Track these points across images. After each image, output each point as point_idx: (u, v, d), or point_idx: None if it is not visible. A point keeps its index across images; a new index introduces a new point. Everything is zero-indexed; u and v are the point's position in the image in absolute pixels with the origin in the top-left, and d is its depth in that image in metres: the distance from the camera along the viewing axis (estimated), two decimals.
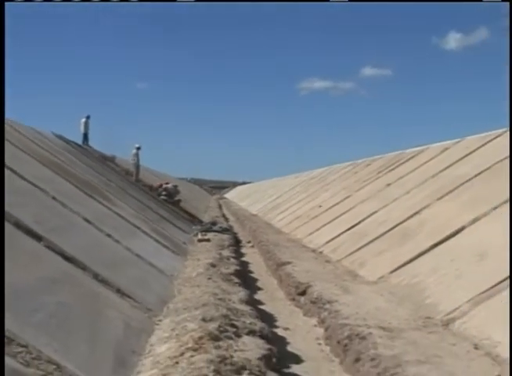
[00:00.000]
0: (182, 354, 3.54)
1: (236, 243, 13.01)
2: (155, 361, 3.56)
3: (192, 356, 3.46)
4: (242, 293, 5.94)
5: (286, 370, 4.12)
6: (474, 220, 6.48)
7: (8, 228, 4.50)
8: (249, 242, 13.73)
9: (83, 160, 15.51)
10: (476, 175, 8.14)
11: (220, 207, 33.81)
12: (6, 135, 9.06)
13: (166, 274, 6.67)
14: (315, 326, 5.53)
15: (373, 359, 3.83)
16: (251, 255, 11.37)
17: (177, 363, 3.40)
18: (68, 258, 4.73)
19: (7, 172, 6.45)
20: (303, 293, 6.55)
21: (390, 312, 5.21)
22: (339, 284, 6.63)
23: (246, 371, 3.29)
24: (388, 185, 11.87)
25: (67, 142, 18.05)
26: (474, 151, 9.71)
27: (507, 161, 7.80)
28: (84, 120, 22.67)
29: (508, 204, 6.27)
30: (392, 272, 6.62)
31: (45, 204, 6.40)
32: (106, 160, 21.21)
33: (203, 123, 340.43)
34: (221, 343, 3.75)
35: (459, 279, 5.33)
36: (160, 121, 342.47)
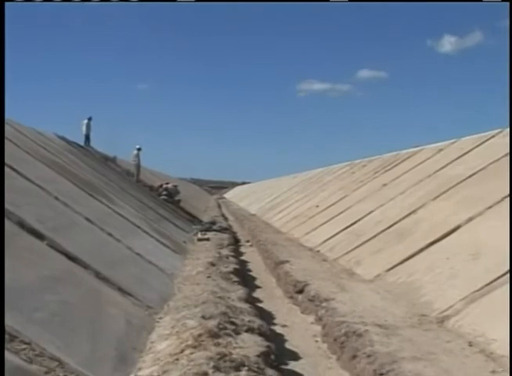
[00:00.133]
0: (182, 351, 3.54)
1: (235, 242, 13.00)
2: (155, 358, 3.56)
3: (192, 353, 3.46)
4: (241, 291, 5.94)
5: (285, 367, 4.12)
6: (469, 219, 6.49)
7: (11, 227, 4.50)
8: (248, 241, 13.73)
9: (85, 160, 15.50)
10: (470, 176, 8.15)
11: (219, 206, 33.81)
12: (10, 137, 9.05)
13: (166, 272, 6.67)
14: (313, 323, 5.53)
15: (369, 356, 3.84)
16: (250, 254, 11.37)
17: (177, 359, 3.40)
18: (70, 257, 4.73)
19: (11, 173, 6.45)
20: (301, 291, 6.55)
21: (386, 309, 5.22)
22: (336, 282, 6.64)
23: (245, 368, 3.29)
24: (384, 185, 11.88)
25: (69, 143, 18.03)
26: (468, 152, 9.73)
27: (501, 162, 7.82)
28: (85, 121, 22.64)
29: (502, 204, 6.28)
30: (388, 270, 6.62)
31: (47, 204, 6.40)
32: (108, 161, 21.19)
33: (203, 124, 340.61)
34: (220, 340, 3.75)
35: (454, 277, 5.34)
36: (161, 122, 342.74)
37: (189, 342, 3.67)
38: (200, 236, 12.01)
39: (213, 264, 7.59)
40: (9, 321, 2.89)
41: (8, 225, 4.48)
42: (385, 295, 5.83)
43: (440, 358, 3.76)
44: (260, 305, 6.32)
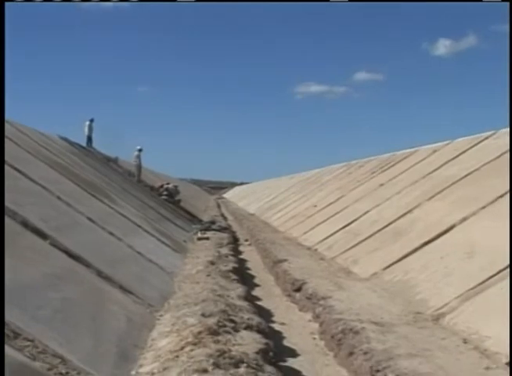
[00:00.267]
0: (182, 348, 3.54)
1: (234, 241, 12.99)
2: (156, 355, 3.56)
3: (192, 350, 3.46)
4: (240, 289, 5.94)
5: (283, 364, 4.11)
6: (463, 219, 6.50)
7: (15, 226, 4.50)
8: (247, 240, 13.72)
9: (87, 161, 15.49)
10: (465, 176, 8.16)
11: (219, 206, 33.79)
12: (14, 138, 9.05)
13: (167, 271, 6.67)
14: (310, 321, 5.53)
15: (365, 353, 3.84)
16: (249, 253, 11.36)
17: (177, 356, 3.40)
18: (73, 256, 4.73)
19: (15, 173, 6.45)
20: (298, 289, 6.55)
21: (382, 307, 5.22)
22: (333, 281, 6.64)
23: (244, 364, 3.29)
24: (381, 185, 11.89)
25: (72, 144, 18.01)
26: (462, 153, 9.74)
27: (495, 163, 7.83)
28: (88, 123, 22.61)
29: (495, 204, 6.29)
30: (384, 269, 6.63)
31: (50, 204, 6.40)
32: (109, 162, 21.17)
33: (203, 125, 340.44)
34: (219, 337, 3.75)
35: (449, 276, 5.35)
36: (161, 124, 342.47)
37: (189, 339, 3.67)
38: (199, 235, 12.00)
39: (212, 263, 7.59)
40: (13, 319, 2.89)
41: (11, 224, 4.48)
42: (381, 293, 5.84)
43: (435, 355, 3.76)
44: (259, 303, 6.32)
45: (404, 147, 14.56)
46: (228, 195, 63.06)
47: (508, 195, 6.18)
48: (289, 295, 6.82)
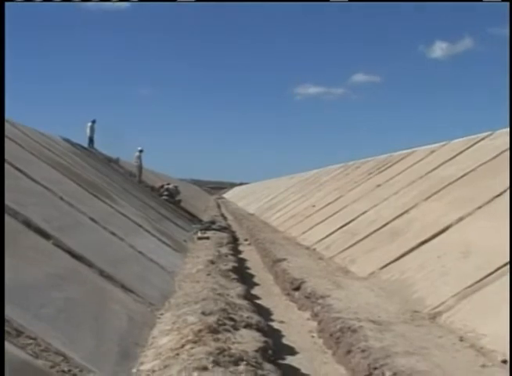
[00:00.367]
0: (182, 346, 3.54)
1: (234, 241, 12.99)
2: (157, 353, 3.56)
3: (192, 348, 3.46)
4: (239, 288, 5.94)
5: (282, 362, 4.11)
6: (459, 219, 6.50)
7: (18, 226, 4.50)
8: (246, 240, 13.72)
9: (89, 162, 15.49)
10: (461, 177, 8.17)
11: (219, 206, 33.77)
12: (16, 139, 9.05)
13: (167, 270, 6.66)
14: (309, 319, 5.53)
15: (363, 351, 3.84)
16: (248, 253, 11.36)
17: (178, 354, 3.40)
18: (75, 256, 4.73)
19: (17, 174, 6.45)
20: (297, 288, 6.55)
21: (379, 306, 5.22)
22: (331, 280, 6.64)
23: (244, 362, 3.29)
24: (378, 186, 11.89)
25: (74, 145, 18.01)
26: (459, 154, 9.74)
27: (491, 163, 7.84)
28: (89, 124, 22.61)
29: (491, 204, 6.30)
30: (382, 268, 6.63)
31: (53, 204, 6.40)
32: (111, 162, 21.18)
33: (203, 127, 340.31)
34: (219, 336, 3.76)
35: (445, 275, 5.35)
36: (162, 125, 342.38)
37: (190, 338, 3.67)
38: (199, 235, 12.00)
39: (212, 262, 7.59)
40: (16, 317, 2.89)
41: (14, 224, 4.48)
42: (379, 292, 5.84)
43: (432, 353, 3.76)
44: (258, 301, 6.32)
45: (401, 148, 14.59)
46: (228, 195, 63.05)
47: (508, 194, 6.18)
48: (288, 294, 6.82)
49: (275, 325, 5.35)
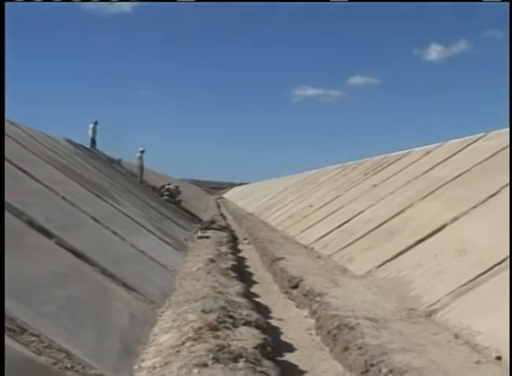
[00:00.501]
0: (183, 343, 3.54)
1: (234, 240, 12.99)
2: (158, 350, 3.56)
3: (192, 345, 3.46)
4: (239, 286, 5.94)
5: (280, 358, 4.12)
6: (455, 219, 6.50)
7: (21, 226, 4.50)
8: (245, 239, 13.72)
9: (91, 162, 15.47)
10: (456, 177, 8.17)
11: (218, 206, 33.76)
12: (20, 140, 9.04)
13: (168, 269, 6.66)
14: (307, 317, 5.53)
15: (360, 348, 3.84)
16: (247, 251, 11.36)
17: (178, 351, 3.40)
18: (78, 254, 4.73)
19: (21, 174, 6.45)
20: (295, 286, 6.55)
21: (376, 304, 5.22)
22: (329, 278, 6.64)
23: (243, 359, 3.29)
24: (375, 186, 11.89)
25: (76, 146, 17.99)
26: (454, 154, 9.75)
27: (485, 164, 7.84)
28: (92, 125, 22.57)
29: (486, 204, 6.30)
30: (379, 267, 6.63)
31: (55, 204, 6.39)
32: (113, 163, 21.15)
33: (203, 127, 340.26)
34: (219, 333, 3.75)
35: (441, 273, 5.35)
36: (163, 126, 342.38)
37: (190, 335, 3.67)
38: (200, 234, 11.99)
39: (212, 261, 7.59)
40: (20, 315, 2.89)
41: (17, 223, 4.48)
42: (376, 290, 5.84)
43: (428, 349, 3.76)
44: (257, 299, 6.32)
45: (398, 149, 14.61)
46: (228, 195, 63.03)
47: (505, 193, 6.18)
48: (286, 292, 6.82)
49: (273, 322, 5.35)
